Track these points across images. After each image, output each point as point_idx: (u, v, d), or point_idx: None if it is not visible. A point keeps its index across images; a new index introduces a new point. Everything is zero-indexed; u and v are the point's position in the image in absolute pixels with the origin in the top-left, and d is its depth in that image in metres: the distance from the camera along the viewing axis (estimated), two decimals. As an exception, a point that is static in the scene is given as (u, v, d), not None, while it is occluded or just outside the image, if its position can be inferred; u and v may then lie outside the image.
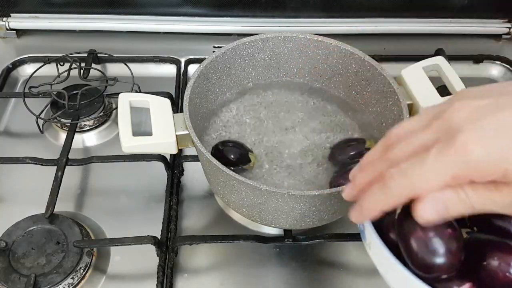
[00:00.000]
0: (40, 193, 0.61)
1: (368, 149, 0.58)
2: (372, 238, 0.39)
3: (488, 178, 0.30)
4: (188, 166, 0.67)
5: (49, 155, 0.65)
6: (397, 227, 0.37)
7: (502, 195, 0.31)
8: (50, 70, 0.76)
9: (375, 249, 0.39)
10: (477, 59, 0.85)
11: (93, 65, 0.79)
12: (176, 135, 0.53)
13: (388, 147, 0.35)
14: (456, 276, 0.37)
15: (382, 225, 0.40)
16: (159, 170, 0.64)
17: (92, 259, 0.57)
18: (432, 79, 0.60)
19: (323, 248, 0.60)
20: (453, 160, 0.30)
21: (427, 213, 0.32)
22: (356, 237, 0.58)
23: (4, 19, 0.86)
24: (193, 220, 0.63)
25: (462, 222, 0.40)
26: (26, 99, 0.71)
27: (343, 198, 0.50)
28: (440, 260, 0.35)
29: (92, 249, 0.58)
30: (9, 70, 0.80)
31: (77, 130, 0.69)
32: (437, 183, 0.31)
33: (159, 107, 0.55)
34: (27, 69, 0.81)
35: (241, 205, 0.54)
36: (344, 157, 0.59)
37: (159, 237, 0.58)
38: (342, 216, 0.57)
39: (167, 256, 0.58)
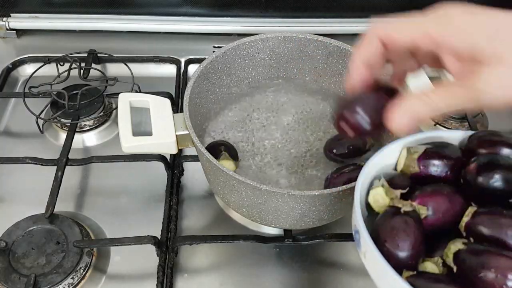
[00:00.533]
0: (40, 193, 0.61)
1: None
2: (367, 247, 0.39)
3: (462, 50, 0.33)
4: (188, 166, 0.67)
5: (49, 155, 0.65)
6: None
7: (463, 90, 0.33)
8: (50, 70, 0.76)
9: (371, 258, 0.39)
10: (477, 59, 0.85)
11: (93, 65, 0.79)
12: (176, 135, 0.53)
13: None
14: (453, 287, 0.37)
15: (378, 235, 0.40)
16: (159, 170, 0.64)
17: (92, 259, 0.57)
18: (432, 79, 0.60)
19: (323, 248, 0.60)
20: (431, 18, 0.35)
21: (400, 122, 0.36)
22: (356, 237, 0.58)
23: (4, 19, 0.86)
24: (193, 220, 0.63)
25: (458, 233, 0.41)
26: (26, 99, 0.71)
27: (343, 198, 0.50)
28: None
29: (92, 249, 0.58)
30: (9, 70, 0.80)
31: (77, 130, 0.69)
32: (408, 32, 0.36)
33: (159, 107, 0.55)
34: (27, 69, 0.81)
35: (241, 205, 0.54)
36: (342, 151, 0.59)
37: (159, 237, 0.58)
38: (342, 216, 0.57)
39: (167, 256, 0.58)
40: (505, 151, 0.44)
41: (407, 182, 0.44)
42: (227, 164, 0.56)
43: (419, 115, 0.36)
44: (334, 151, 0.59)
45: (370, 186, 0.45)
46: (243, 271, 0.58)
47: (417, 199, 0.42)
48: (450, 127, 0.74)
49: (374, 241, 0.39)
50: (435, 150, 0.45)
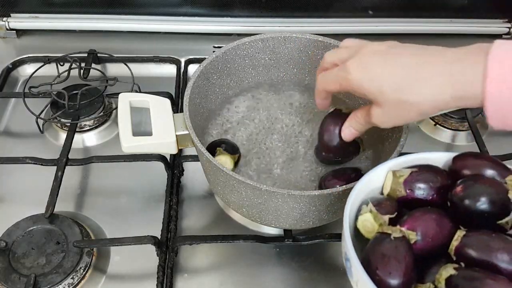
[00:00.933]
0: (40, 193, 0.61)
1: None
2: (359, 276, 0.39)
3: (366, 96, 0.46)
4: (188, 166, 0.67)
5: (49, 155, 0.65)
6: None
7: (368, 118, 0.48)
8: (50, 70, 0.76)
9: (363, 287, 0.39)
10: (477, 59, 0.85)
11: (93, 65, 0.79)
12: (176, 135, 0.53)
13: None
14: None
15: (369, 262, 0.40)
16: (159, 170, 0.64)
17: (92, 259, 0.57)
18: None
19: (323, 248, 0.60)
20: (341, 77, 0.47)
21: (346, 133, 0.52)
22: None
23: (4, 19, 0.86)
24: (193, 220, 0.63)
25: (448, 256, 0.41)
26: (26, 99, 0.71)
27: (343, 198, 0.50)
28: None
29: (92, 249, 0.58)
30: (9, 70, 0.80)
31: (77, 130, 0.69)
32: (334, 88, 0.49)
33: (159, 107, 0.55)
34: (27, 69, 0.81)
35: (241, 205, 0.54)
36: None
37: (159, 237, 0.58)
38: (342, 216, 0.57)
39: (167, 256, 0.58)
40: (489, 172, 0.44)
41: (395, 207, 0.45)
42: (223, 159, 0.56)
43: (354, 128, 0.51)
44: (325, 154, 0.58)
45: (358, 211, 0.45)
46: (243, 271, 0.58)
47: (406, 224, 0.42)
48: (450, 127, 0.74)
49: (365, 269, 0.39)
50: (420, 173, 0.46)
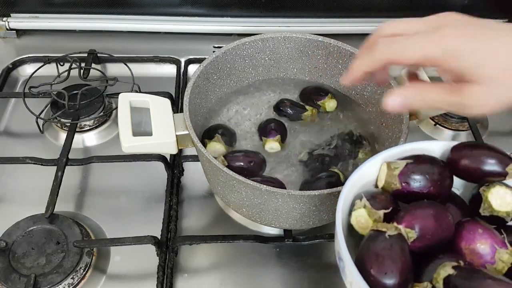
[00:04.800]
0: (40, 193, 0.61)
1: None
2: (353, 277, 0.37)
3: (456, 71, 0.39)
4: (188, 166, 0.67)
5: (49, 155, 0.65)
6: None
7: (452, 97, 0.40)
8: (50, 70, 0.76)
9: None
10: (477, 59, 0.85)
11: (93, 65, 0.79)
12: (176, 135, 0.53)
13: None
14: None
15: (363, 262, 0.38)
16: (159, 170, 0.64)
17: (92, 259, 0.57)
18: (432, 79, 0.60)
19: (323, 248, 0.60)
20: (430, 44, 0.39)
21: (393, 103, 0.42)
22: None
23: (4, 19, 0.86)
24: (193, 220, 0.63)
25: (447, 255, 0.40)
26: (26, 99, 0.71)
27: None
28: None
29: (92, 249, 0.58)
30: (9, 70, 0.80)
31: (77, 130, 0.69)
32: (411, 57, 0.40)
33: (159, 107, 0.55)
34: (27, 69, 0.81)
35: (241, 205, 0.54)
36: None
37: (159, 237, 0.58)
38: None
39: (167, 256, 0.58)
40: (489, 160, 0.43)
41: (390, 201, 0.43)
42: (217, 147, 0.57)
43: (408, 101, 0.42)
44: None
45: (352, 206, 0.43)
46: (243, 271, 0.58)
47: (403, 222, 0.40)
48: (450, 127, 0.74)
49: (359, 269, 0.37)
50: (416, 164, 0.44)
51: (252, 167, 0.56)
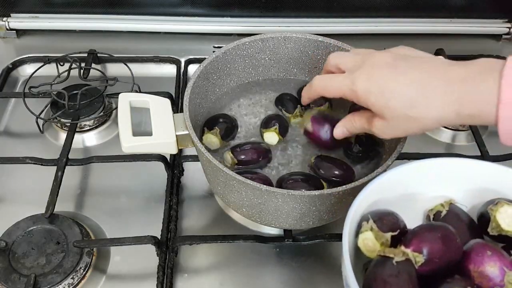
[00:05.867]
0: (40, 193, 0.61)
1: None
2: None
3: (367, 106, 0.47)
4: (188, 166, 0.67)
5: (49, 155, 0.65)
6: None
7: (367, 125, 0.49)
8: (50, 70, 0.76)
9: None
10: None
11: (93, 65, 0.79)
12: (176, 135, 0.53)
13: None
14: None
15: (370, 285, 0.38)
16: (159, 170, 0.64)
17: (92, 259, 0.57)
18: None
19: (323, 248, 0.60)
20: (346, 84, 0.48)
21: (338, 132, 0.54)
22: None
23: (4, 19, 0.86)
24: (193, 220, 0.63)
25: (455, 277, 0.39)
26: (26, 99, 0.71)
27: (343, 199, 0.50)
28: None
29: (92, 249, 0.58)
30: (9, 70, 0.80)
31: (77, 130, 0.69)
32: (335, 93, 0.49)
33: (159, 107, 0.55)
34: (27, 69, 0.81)
35: (241, 205, 0.54)
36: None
37: (159, 237, 0.58)
38: (342, 216, 0.57)
39: (167, 256, 0.58)
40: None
41: (398, 223, 0.43)
42: (213, 139, 0.57)
43: (346, 129, 0.53)
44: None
45: (359, 228, 0.43)
46: (243, 271, 0.58)
47: (411, 246, 0.40)
48: (450, 127, 0.74)
49: None
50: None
51: (257, 159, 0.56)
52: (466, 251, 0.41)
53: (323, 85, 0.51)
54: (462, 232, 0.44)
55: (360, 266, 0.40)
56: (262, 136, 0.59)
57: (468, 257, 0.41)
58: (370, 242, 0.42)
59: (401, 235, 0.42)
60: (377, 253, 0.41)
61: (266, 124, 0.60)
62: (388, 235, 0.41)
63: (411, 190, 0.47)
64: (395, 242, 0.41)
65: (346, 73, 0.49)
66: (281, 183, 0.54)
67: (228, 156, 0.56)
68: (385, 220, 0.43)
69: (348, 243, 0.41)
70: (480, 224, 0.46)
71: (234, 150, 0.56)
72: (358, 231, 0.43)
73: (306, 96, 0.56)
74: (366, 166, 0.57)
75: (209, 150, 0.56)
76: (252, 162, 0.56)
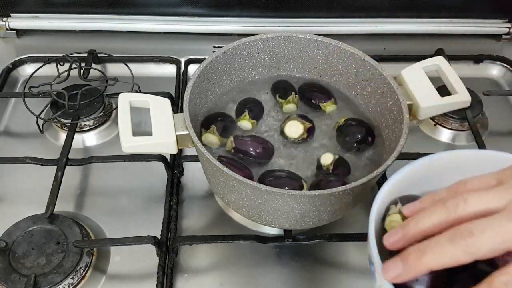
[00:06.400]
0: (40, 193, 0.61)
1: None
2: (383, 282, 0.37)
3: None
4: (188, 166, 0.67)
5: (49, 155, 0.65)
6: None
7: None
8: (50, 70, 0.76)
9: None
10: (477, 59, 0.85)
11: (93, 65, 0.79)
12: (176, 135, 0.53)
13: (454, 195, 0.36)
14: None
15: None
16: (159, 170, 0.64)
17: (92, 259, 0.57)
18: (432, 79, 0.60)
19: (323, 248, 0.60)
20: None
21: None
22: (356, 237, 0.58)
23: (4, 19, 0.86)
24: (193, 220, 0.63)
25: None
26: (26, 99, 0.71)
27: (343, 199, 0.50)
28: None
29: (92, 249, 0.58)
30: (9, 70, 0.80)
31: (77, 130, 0.69)
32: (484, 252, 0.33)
33: (159, 107, 0.55)
34: (27, 69, 0.81)
35: (241, 205, 0.54)
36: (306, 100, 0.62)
37: (159, 237, 0.58)
38: (342, 216, 0.57)
39: (167, 256, 0.58)
40: None
41: None
42: (211, 138, 0.57)
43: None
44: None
45: (387, 211, 0.44)
46: (243, 271, 0.58)
47: None
48: (450, 127, 0.74)
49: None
50: None
51: (259, 154, 0.57)
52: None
53: (498, 239, 0.33)
54: None
55: (384, 249, 0.40)
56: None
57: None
58: (397, 224, 0.42)
59: None
60: None
61: (238, 113, 0.61)
62: None
63: (444, 179, 0.46)
64: None
65: (503, 213, 0.33)
66: (263, 179, 0.54)
67: (229, 141, 0.57)
68: None
69: (375, 224, 0.41)
70: None
71: (236, 138, 0.57)
72: (385, 214, 0.43)
73: (440, 263, 0.34)
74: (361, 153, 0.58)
75: (210, 149, 0.56)
76: (250, 153, 0.56)
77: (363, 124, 0.60)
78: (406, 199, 0.43)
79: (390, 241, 0.38)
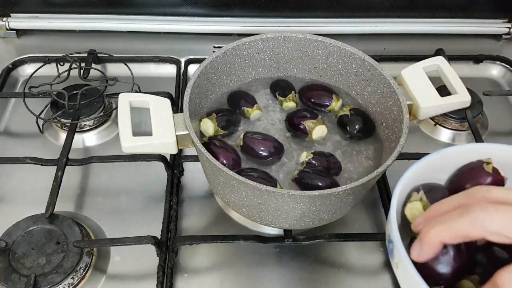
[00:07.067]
0: (40, 193, 0.61)
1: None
2: (400, 258, 0.38)
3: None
4: (188, 166, 0.67)
5: (49, 155, 0.65)
6: None
7: None
8: (50, 70, 0.76)
9: (403, 269, 0.38)
10: (477, 59, 0.85)
11: (93, 65, 0.79)
12: (176, 135, 0.53)
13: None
14: None
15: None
16: (159, 170, 0.64)
17: (92, 259, 0.57)
18: (432, 79, 0.60)
19: (323, 248, 0.60)
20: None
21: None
22: (356, 237, 0.59)
23: (4, 19, 0.86)
24: (193, 220, 0.63)
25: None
26: (26, 99, 0.71)
27: (343, 199, 0.50)
28: None
29: (92, 249, 0.58)
30: (9, 70, 0.80)
31: (77, 130, 0.69)
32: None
33: (159, 107, 0.55)
34: (27, 69, 0.81)
35: (241, 205, 0.54)
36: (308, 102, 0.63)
37: (159, 237, 0.58)
38: (342, 216, 0.57)
39: (167, 256, 0.58)
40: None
41: (447, 197, 0.43)
42: (208, 124, 0.58)
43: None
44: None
45: (408, 198, 0.44)
46: (243, 271, 0.58)
47: None
48: (450, 127, 0.74)
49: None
50: None
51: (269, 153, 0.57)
52: None
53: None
54: None
55: (403, 234, 0.41)
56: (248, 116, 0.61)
57: None
58: (417, 211, 0.42)
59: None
60: None
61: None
62: None
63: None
64: None
65: None
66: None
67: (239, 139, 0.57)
68: (435, 193, 0.43)
69: (397, 206, 0.41)
70: None
71: (245, 135, 0.57)
72: (406, 201, 0.44)
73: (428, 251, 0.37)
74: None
75: (204, 136, 0.57)
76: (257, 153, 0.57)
77: (364, 114, 0.61)
78: (428, 188, 0.44)
79: (414, 223, 0.40)
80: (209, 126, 0.58)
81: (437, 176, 0.47)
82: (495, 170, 0.44)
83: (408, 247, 0.39)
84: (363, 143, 0.60)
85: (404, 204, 0.44)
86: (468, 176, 0.45)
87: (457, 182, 0.46)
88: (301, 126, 0.59)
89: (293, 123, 0.60)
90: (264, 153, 0.56)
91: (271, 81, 0.65)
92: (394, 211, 0.41)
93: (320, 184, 0.53)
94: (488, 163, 0.45)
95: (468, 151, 0.46)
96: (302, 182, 0.54)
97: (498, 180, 0.44)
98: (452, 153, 0.46)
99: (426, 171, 0.45)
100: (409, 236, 0.42)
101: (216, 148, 0.55)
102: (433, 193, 0.43)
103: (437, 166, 0.46)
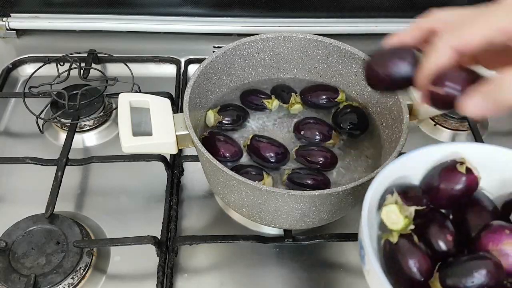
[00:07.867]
0: (40, 193, 0.61)
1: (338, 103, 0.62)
2: (371, 266, 0.38)
3: None
4: (188, 166, 0.67)
5: (49, 155, 0.65)
6: None
7: None
8: (50, 70, 0.76)
9: (374, 277, 0.38)
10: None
11: (93, 65, 0.79)
12: (176, 135, 0.53)
13: None
14: None
15: (385, 255, 0.40)
16: (159, 170, 0.64)
17: (92, 259, 0.57)
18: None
19: (323, 248, 0.60)
20: (501, 13, 0.33)
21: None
22: (356, 237, 0.58)
23: (4, 19, 0.86)
24: (193, 220, 0.63)
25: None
26: (26, 99, 0.71)
27: (343, 199, 0.50)
28: None
29: (92, 249, 0.58)
30: (9, 70, 0.80)
31: (77, 130, 0.69)
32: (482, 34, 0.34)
33: (159, 107, 0.55)
34: (27, 69, 0.81)
35: (241, 205, 0.54)
36: (316, 100, 0.63)
37: (159, 237, 0.58)
38: (342, 216, 0.57)
39: (167, 256, 0.58)
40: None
41: (422, 198, 0.43)
42: (209, 115, 0.60)
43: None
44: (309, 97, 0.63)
45: (382, 200, 0.44)
46: (243, 271, 0.58)
47: None
48: (450, 127, 0.74)
49: (387, 265, 0.39)
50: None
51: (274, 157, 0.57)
52: (485, 230, 0.42)
53: (464, 35, 0.35)
54: (485, 217, 0.44)
55: (380, 236, 0.41)
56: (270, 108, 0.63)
57: (486, 236, 0.41)
58: (393, 215, 0.42)
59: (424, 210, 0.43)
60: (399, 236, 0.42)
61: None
62: (412, 208, 0.42)
63: None
64: (420, 218, 0.42)
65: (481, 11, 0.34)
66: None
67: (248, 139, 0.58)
68: (409, 194, 0.43)
69: (368, 212, 0.41)
70: (503, 211, 0.46)
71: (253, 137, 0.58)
72: (381, 204, 0.43)
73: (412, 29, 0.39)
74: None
75: (207, 127, 0.59)
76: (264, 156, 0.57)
77: (358, 109, 0.61)
78: (402, 189, 0.43)
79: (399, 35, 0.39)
80: (210, 117, 0.59)
81: (412, 175, 0.46)
82: (468, 170, 0.44)
83: (382, 249, 0.39)
84: (363, 143, 0.60)
85: (379, 208, 0.44)
86: (441, 176, 0.45)
87: (430, 182, 0.46)
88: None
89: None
90: (271, 159, 0.57)
91: (271, 85, 0.65)
92: (365, 217, 0.41)
93: (309, 182, 0.55)
94: (461, 163, 0.44)
95: (441, 151, 0.46)
96: (294, 181, 0.55)
97: (472, 180, 0.44)
98: (420, 155, 0.46)
99: (398, 173, 0.45)
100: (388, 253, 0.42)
101: (217, 141, 0.57)
102: (407, 194, 0.43)
103: (410, 168, 0.46)
